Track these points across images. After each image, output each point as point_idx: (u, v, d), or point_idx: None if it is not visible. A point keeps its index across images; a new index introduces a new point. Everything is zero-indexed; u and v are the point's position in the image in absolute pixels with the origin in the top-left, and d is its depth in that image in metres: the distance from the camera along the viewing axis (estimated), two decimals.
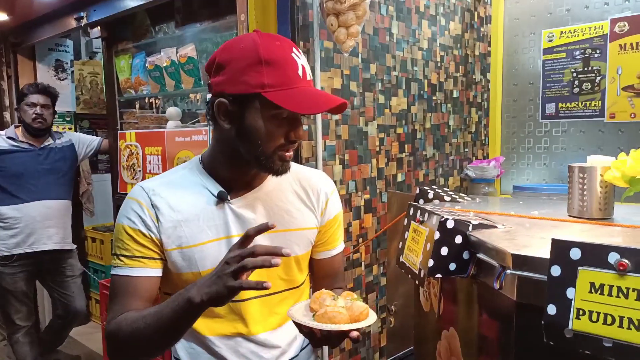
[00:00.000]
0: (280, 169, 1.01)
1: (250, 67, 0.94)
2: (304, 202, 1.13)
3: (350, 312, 0.89)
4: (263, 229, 0.86)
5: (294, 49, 0.98)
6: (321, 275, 1.22)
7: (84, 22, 3.01)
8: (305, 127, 1.99)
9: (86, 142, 3.15)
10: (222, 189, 1.04)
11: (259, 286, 0.80)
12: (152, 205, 1.02)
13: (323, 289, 1.00)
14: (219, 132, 1.04)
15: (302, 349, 1.17)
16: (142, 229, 1.01)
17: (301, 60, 0.99)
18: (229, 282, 0.82)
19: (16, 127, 2.95)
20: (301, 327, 0.91)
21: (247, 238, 0.86)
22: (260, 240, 1.06)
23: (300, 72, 0.97)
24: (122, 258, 1.02)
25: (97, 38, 3.17)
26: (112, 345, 0.99)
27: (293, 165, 1.19)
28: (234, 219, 1.05)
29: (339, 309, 0.88)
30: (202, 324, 1.07)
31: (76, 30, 3.29)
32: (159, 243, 1.02)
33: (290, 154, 1.01)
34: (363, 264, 2.34)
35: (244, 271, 0.82)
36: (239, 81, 0.95)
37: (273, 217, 1.08)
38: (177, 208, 1.03)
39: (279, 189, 1.11)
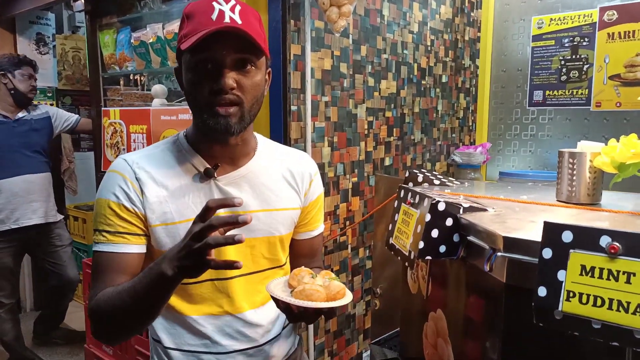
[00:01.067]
0: (217, 126, 0.95)
1: (179, 29, 0.98)
2: (289, 182, 1.13)
3: (327, 290, 0.90)
4: (227, 204, 0.82)
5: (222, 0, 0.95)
6: (300, 255, 1.22)
7: None
8: (294, 107, 1.97)
9: (64, 117, 3.12)
10: (208, 166, 1.02)
11: (230, 266, 0.80)
12: (136, 178, 1.00)
13: (302, 267, 1.00)
14: None
15: (283, 327, 1.17)
16: (125, 204, 0.99)
17: (225, 6, 0.94)
18: (198, 260, 0.80)
19: None
20: (278, 302, 0.92)
21: (208, 210, 0.81)
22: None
23: (214, 16, 0.92)
24: (104, 234, 0.99)
25: (80, 12, 3.10)
26: (94, 323, 0.97)
27: (277, 145, 1.19)
28: (220, 196, 1.03)
29: (316, 287, 0.89)
30: (185, 305, 1.05)
31: (58, 3, 3.21)
32: (143, 218, 1.00)
33: (223, 109, 0.94)
34: (349, 246, 2.35)
35: (209, 249, 0.79)
36: (177, 46, 0.98)
37: (259, 196, 1.07)
38: (162, 183, 1.00)
39: (264, 169, 1.09)
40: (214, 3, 0.94)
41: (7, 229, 2.82)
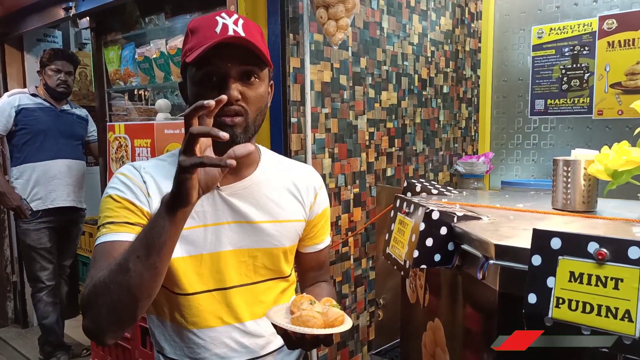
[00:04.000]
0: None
1: (184, 43, 1.00)
2: (293, 194, 1.13)
3: (325, 317, 0.91)
4: (212, 134, 0.74)
5: (225, 14, 0.98)
6: (307, 268, 1.23)
7: (72, 12, 2.98)
8: (294, 119, 1.99)
9: (93, 127, 3.32)
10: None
11: (222, 163, 0.73)
12: (143, 181, 1.00)
13: (304, 294, 1.01)
14: None
15: None
16: (132, 199, 0.97)
17: (229, 20, 0.96)
18: (187, 161, 0.75)
19: (36, 87, 3.12)
20: (277, 328, 0.93)
21: (190, 136, 0.75)
22: (248, 230, 1.06)
23: (218, 29, 0.95)
24: (107, 226, 0.94)
25: (86, 29, 3.15)
26: (88, 311, 0.86)
27: (282, 158, 1.20)
28: (223, 207, 1.04)
29: (313, 313, 0.90)
30: (184, 318, 1.05)
31: (65, 21, 3.27)
32: (148, 218, 0.97)
33: (229, 119, 0.95)
34: (352, 257, 2.35)
35: (194, 140, 0.74)
36: (181, 61, 1.01)
37: (262, 208, 1.07)
38: (166, 190, 0.98)
39: (268, 181, 1.10)
40: (218, 17, 0.97)
41: (44, 209, 3.01)
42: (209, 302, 1.05)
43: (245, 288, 1.08)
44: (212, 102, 0.75)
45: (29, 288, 3.31)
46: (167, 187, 0.98)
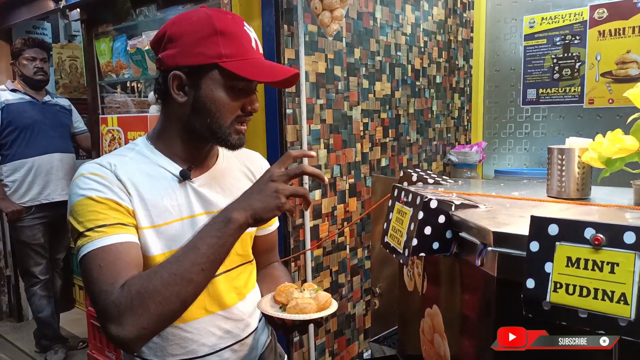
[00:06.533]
0: (237, 143, 1.02)
1: (206, 39, 0.95)
2: (249, 178, 1.17)
3: (316, 301, 0.98)
4: (306, 154, 0.94)
5: (245, 23, 1.01)
6: (261, 251, 1.26)
7: (62, 4, 2.94)
8: (290, 111, 2.00)
9: (78, 118, 3.27)
10: (182, 168, 1.03)
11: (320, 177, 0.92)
12: (118, 179, 0.96)
13: (286, 282, 1.06)
14: (171, 108, 1.02)
15: (259, 320, 1.20)
16: (115, 199, 0.93)
17: (252, 34, 1.01)
18: (281, 202, 0.88)
19: (12, 81, 3.06)
20: (272, 319, 0.98)
21: (288, 158, 0.91)
22: (207, 218, 1.05)
23: (253, 44, 0.99)
24: (99, 229, 0.89)
25: (76, 20, 3.10)
26: (127, 321, 0.82)
27: None
28: (195, 198, 1.04)
29: (308, 300, 0.98)
30: None
31: (54, 13, 3.22)
32: (133, 215, 0.95)
33: (245, 127, 1.02)
34: (348, 247, 2.37)
35: (295, 195, 0.89)
36: (195, 52, 0.95)
37: (229, 195, 1.08)
38: (139, 188, 0.98)
39: (229, 169, 1.13)
40: (245, 28, 1.00)
41: (38, 204, 2.98)
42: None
43: (224, 276, 1.09)
44: (314, 155, 0.89)
45: (23, 282, 3.29)
46: (141, 183, 0.98)
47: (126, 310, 0.82)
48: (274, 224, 1.28)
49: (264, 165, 1.23)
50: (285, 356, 1.34)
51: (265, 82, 1.01)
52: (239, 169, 1.16)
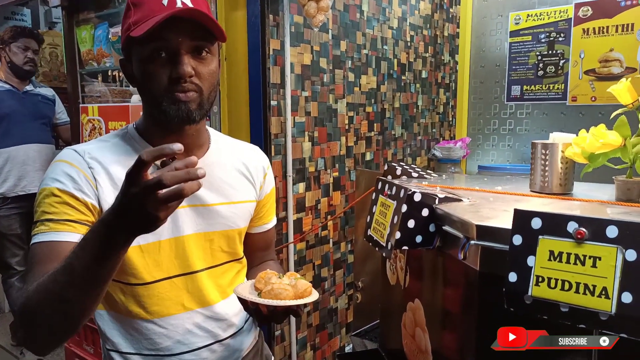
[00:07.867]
0: (176, 114, 0.92)
1: (125, 17, 0.94)
2: (244, 175, 1.12)
3: (295, 289, 0.93)
4: (164, 153, 0.70)
5: None
6: (255, 248, 1.22)
7: None
8: (274, 102, 1.97)
9: (61, 108, 3.21)
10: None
11: (167, 150, 0.70)
12: (89, 167, 0.93)
13: (268, 270, 1.01)
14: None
15: (246, 321, 1.17)
16: (74, 193, 0.90)
17: None
18: (161, 211, 0.71)
19: None
20: (247, 304, 0.93)
21: (143, 165, 0.69)
22: (204, 214, 1.03)
23: (165, 1, 0.90)
24: (46, 223, 0.87)
25: (56, 7, 3.05)
26: (24, 325, 0.81)
27: (229, 138, 1.18)
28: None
29: (284, 286, 0.92)
30: (143, 309, 1.01)
31: None
32: (94, 210, 0.92)
33: (183, 94, 0.92)
34: (331, 241, 2.36)
35: (160, 188, 0.69)
36: (122, 36, 0.94)
37: (217, 190, 1.05)
38: (116, 175, 0.94)
39: (220, 162, 1.08)
40: None
41: (14, 196, 2.92)
42: (168, 289, 1.01)
43: (207, 272, 1.06)
44: (181, 148, 0.70)
45: None
46: (116, 171, 0.94)
47: (22, 315, 0.81)
48: (271, 221, 1.23)
49: (262, 161, 1.17)
50: (272, 357, 1.30)
51: (148, 32, 0.87)
52: (231, 164, 1.10)
